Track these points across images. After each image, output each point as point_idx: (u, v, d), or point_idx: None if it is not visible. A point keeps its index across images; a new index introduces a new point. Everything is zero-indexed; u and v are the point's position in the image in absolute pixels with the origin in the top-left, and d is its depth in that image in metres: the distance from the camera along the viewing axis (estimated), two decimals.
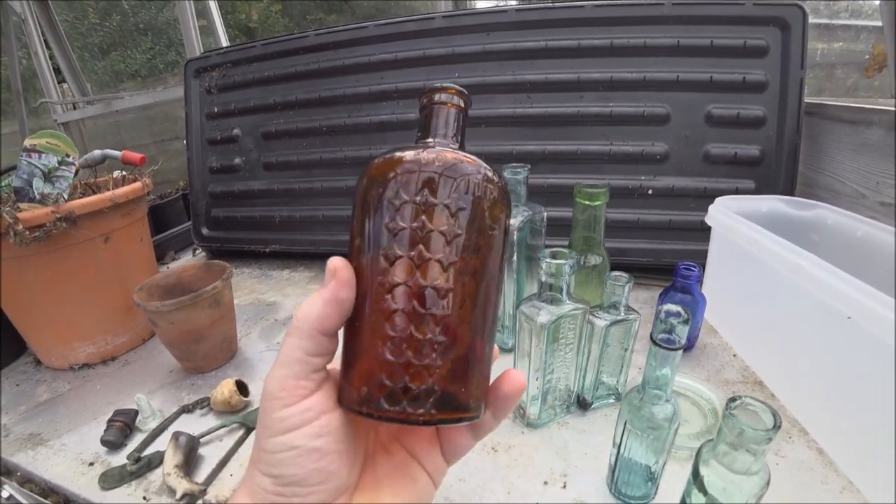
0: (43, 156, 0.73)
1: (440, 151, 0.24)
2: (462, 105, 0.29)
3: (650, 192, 0.89)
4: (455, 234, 0.23)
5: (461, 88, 0.28)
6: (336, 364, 0.26)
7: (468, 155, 0.25)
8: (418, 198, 0.23)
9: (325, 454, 0.23)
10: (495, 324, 0.27)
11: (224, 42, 1.62)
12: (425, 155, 0.24)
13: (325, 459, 0.23)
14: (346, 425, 0.25)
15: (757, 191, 0.85)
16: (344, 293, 0.24)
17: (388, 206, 0.23)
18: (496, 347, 0.28)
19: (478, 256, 0.24)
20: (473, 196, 0.24)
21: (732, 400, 0.35)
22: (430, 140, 0.27)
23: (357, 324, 0.24)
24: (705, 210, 0.75)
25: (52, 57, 1.98)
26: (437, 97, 0.28)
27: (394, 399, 0.23)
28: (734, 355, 0.69)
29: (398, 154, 0.24)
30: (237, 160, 1.17)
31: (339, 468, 0.24)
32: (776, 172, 0.84)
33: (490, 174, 0.25)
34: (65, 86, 2.06)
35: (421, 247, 0.23)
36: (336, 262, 0.24)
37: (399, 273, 0.23)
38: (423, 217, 0.23)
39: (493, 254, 0.25)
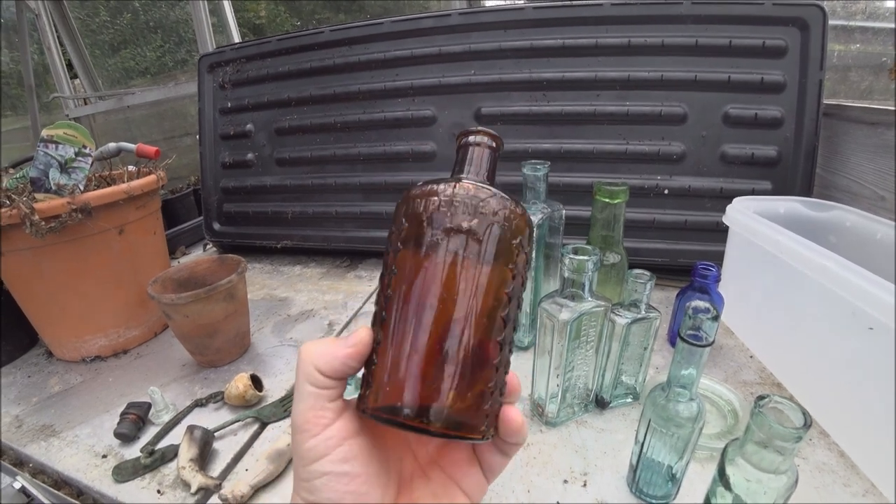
0: (60, 146, 0.73)
1: (469, 184, 0.26)
2: (494, 146, 0.30)
3: (666, 191, 0.88)
4: (478, 264, 0.25)
5: (495, 133, 0.30)
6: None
7: (496, 189, 0.27)
8: (446, 225, 0.25)
9: (354, 477, 0.25)
10: (510, 350, 0.28)
11: (236, 39, 1.62)
12: (456, 187, 0.26)
13: (355, 482, 0.25)
14: (373, 449, 0.27)
15: (774, 192, 0.85)
16: (355, 362, 0.26)
17: (418, 234, 0.25)
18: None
19: (500, 284, 0.26)
20: (499, 228, 0.25)
21: (761, 398, 0.35)
22: (462, 175, 0.29)
23: (381, 340, 0.26)
24: (721, 210, 0.75)
25: (64, 53, 1.99)
26: (472, 139, 0.30)
27: (403, 410, 0.24)
28: (751, 356, 0.68)
29: (432, 186, 0.26)
30: (250, 155, 1.17)
31: (370, 489, 0.25)
32: (793, 173, 0.84)
33: (514, 207, 0.26)
34: (76, 81, 2.07)
35: (445, 275, 0.25)
36: (363, 336, 0.26)
37: (423, 296, 0.25)
38: (450, 244, 0.25)
39: (513, 283, 0.26)
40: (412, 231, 0.26)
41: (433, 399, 0.24)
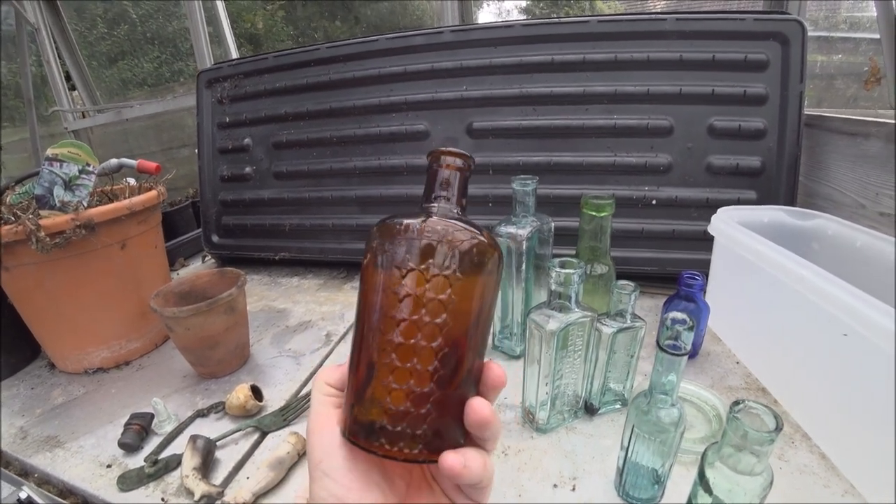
0: (64, 164, 0.75)
1: (439, 220, 0.27)
2: (464, 166, 0.30)
3: (654, 202, 0.91)
4: (447, 299, 0.26)
5: (464, 152, 0.30)
6: None
7: (464, 223, 0.27)
8: (413, 264, 0.25)
9: (358, 474, 0.28)
10: (479, 376, 0.29)
11: (233, 50, 1.64)
12: (426, 223, 0.26)
13: (360, 479, 0.28)
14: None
15: (758, 201, 0.87)
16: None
17: (388, 270, 0.26)
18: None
19: (467, 318, 0.27)
20: (467, 262, 0.26)
21: (736, 403, 0.37)
22: (433, 205, 0.29)
23: (352, 367, 0.28)
24: (708, 220, 0.77)
25: (62, 64, 2.01)
26: (442, 160, 0.30)
27: (376, 435, 0.26)
28: (737, 362, 0.71)
29: (404, 221, 0.27)
30: (248, 169, 1.19)
31: (373, 488, 0.28)
32: (777, 183, 0.86)
33: (480, 240, 0.27)
34: (75, 94, 2.08)
35: (414, 310, 0.25)
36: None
37: (390, 333, 0.26)
38: (418, 282, 0.25)
39: (481, 315, 0.28)
40: (368, 277, 0.27)
41: (403, 421, 0.26)
